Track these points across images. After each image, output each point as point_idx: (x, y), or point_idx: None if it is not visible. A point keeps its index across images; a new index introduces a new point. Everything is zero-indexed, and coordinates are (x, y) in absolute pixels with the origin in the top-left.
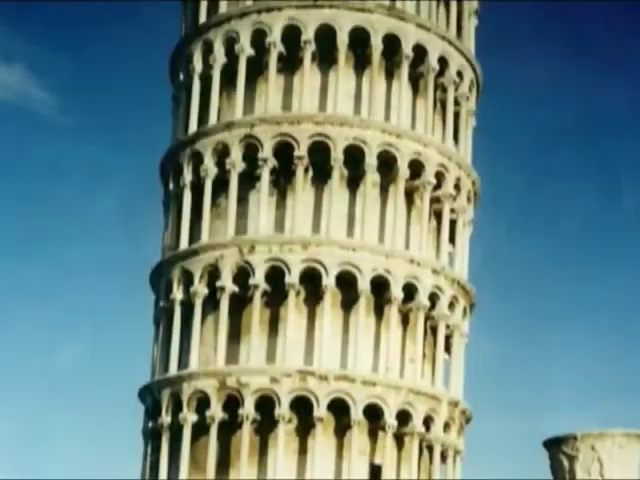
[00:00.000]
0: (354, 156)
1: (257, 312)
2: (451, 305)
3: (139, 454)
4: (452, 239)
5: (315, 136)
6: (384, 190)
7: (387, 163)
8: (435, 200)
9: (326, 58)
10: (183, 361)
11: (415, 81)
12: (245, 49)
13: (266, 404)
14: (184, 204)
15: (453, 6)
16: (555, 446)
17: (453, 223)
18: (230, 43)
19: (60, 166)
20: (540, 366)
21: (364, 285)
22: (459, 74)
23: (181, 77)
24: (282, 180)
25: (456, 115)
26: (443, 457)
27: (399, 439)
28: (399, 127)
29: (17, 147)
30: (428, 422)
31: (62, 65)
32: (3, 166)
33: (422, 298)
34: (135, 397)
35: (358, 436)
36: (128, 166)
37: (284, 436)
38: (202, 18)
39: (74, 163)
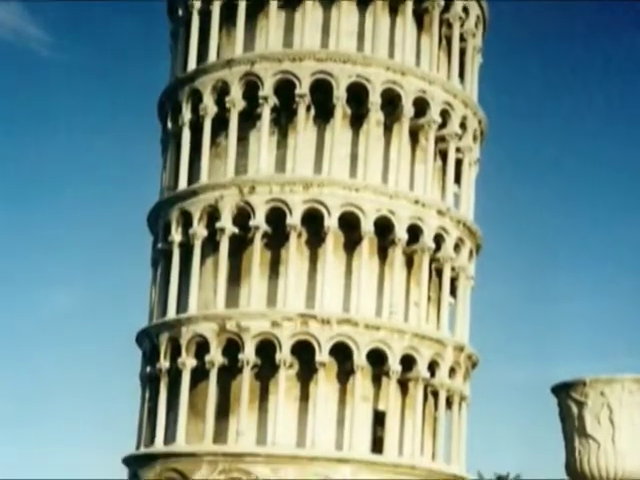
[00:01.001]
0: (357, 94)
1: (257, 254)
2: (457, 247)
3: (137, 400)
4: (458, 179)
5: (317, 73)
6: (388, 129)
7: (391, 101)
8: (440, 139)
9: None
10: (182, 304)
11: (420, 17)
12: None
13: (267, 349)
14: (183, 143)
15: None
16: (563, 392)
17: (459, 163)
18: None
19: (57, 105)
20: (549, 310)
21: (367, 226)
22: (465, 10)
23: (180, 12)
24: (283, 119)
25: (462, 52)
26: (448, 403)
27: (403, 385)
28: (403, 64)
29: (12, 85)
30: (433, 367)
31: (58, 2)
32: None
33: (427, 240)
34: (132, 341)
35: (361, 382)
36: (126, 104)
37: (285, 382)
38: None
39: (71, 101)
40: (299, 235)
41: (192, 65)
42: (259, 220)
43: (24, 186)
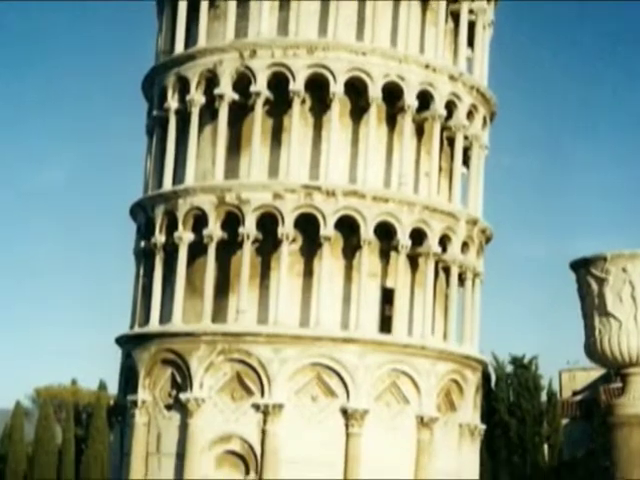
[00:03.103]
0: None
1: (259, 122)
2: (470, 114)
3: (131, 277)
4: (471, 42)
5: None
6: None
7: None
8: None
9: None
10: (178, 175)
11: None
12: None
13: (268, 222)
14: (179, 3)
15: None
16: (583, 268)
17: (472, 25)
18: None
19: None
20: (568, 181)
21: (375, 92)
22: None
23: None
24: None
25: None
26: (461, 279)
27: (413, 260)
28: None
29: None
30: (444, 241)
31: None
32: None
33: (438, 106)
34: (126, 214)
35: (368, 257)
36: None
37: (288, 257)
38: None
39: None
40: (303, 102)
41: None
42: (260, 86)
43: (13, 54)
